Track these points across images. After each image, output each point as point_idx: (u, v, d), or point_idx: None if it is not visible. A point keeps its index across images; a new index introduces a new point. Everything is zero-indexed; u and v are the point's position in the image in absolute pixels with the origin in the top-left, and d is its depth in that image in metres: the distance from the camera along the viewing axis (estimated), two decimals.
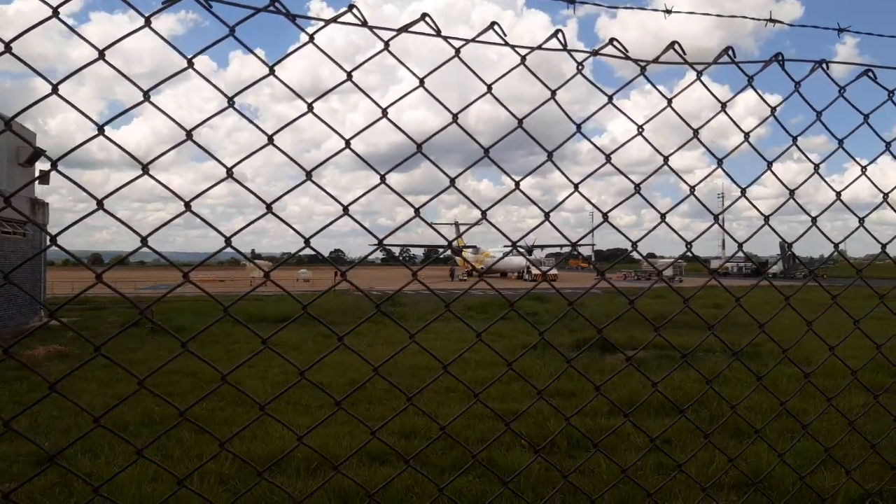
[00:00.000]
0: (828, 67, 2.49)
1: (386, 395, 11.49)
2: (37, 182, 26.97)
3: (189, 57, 1.79)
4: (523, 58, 2.19)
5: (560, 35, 2.10)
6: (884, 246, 3.10)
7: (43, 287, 28.44)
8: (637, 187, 2.46)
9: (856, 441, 7.88)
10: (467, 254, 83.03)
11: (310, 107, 1.94)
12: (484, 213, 2.20)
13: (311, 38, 1.93)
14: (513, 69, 2.17)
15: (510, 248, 2.39)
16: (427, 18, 1.96)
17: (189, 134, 1.76)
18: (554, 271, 66.40)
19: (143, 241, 1.71)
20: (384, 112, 2.04)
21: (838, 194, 2.96)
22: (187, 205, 1.79)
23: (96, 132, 1.69)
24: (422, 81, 2.07)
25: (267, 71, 1.88)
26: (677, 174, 2.48)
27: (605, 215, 2.42)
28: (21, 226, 25.46)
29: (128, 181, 1.72)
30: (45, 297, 28.12)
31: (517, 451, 8.11)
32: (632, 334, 17.42)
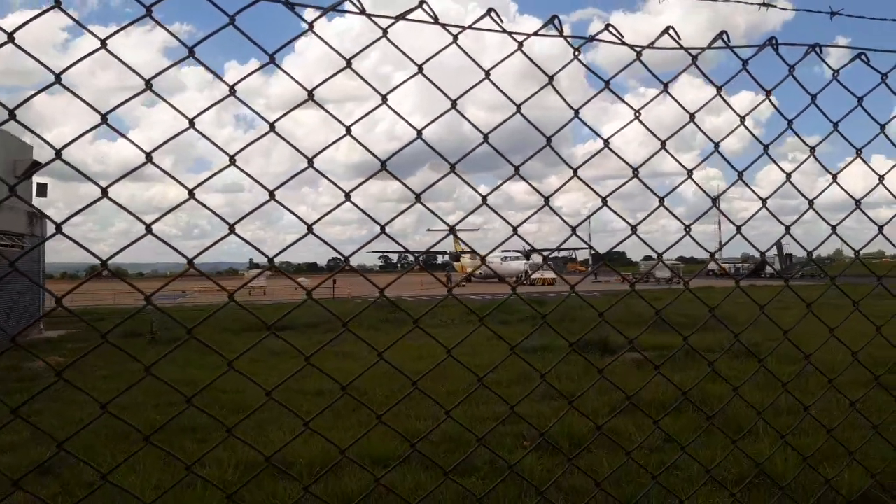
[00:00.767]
0: (821, 51, 2.51)
1: (387, 400, 11.47)
2: (34, 194, 26.95)
3: (190, 46, 1.80)
4: (520, 44, 2.21)
5: (556, 21, 2.12)
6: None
7: (42, 298, 28.39)
8: (635, 171, 2.47)
9: (856, 436, 7.87)
10: (465, 259, 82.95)
11: (310, 94, 1.96)
12: (484, 198, 2.22)
13: (311, 25, 1.95)
14: (510, 55, 2.19)
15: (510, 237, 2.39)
16: (425, 5, 1.98)
17: (192, 122, 1.77)
18: (552, 276, 66.33)
19: (148, 228, 1.72)
20: (384, 98, 2.06)
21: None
22: (191, 192, 1.80)
23: (100, 122, 1.70)
24: (420, 68, 2.09)
25: (267, 59, 1.89)
26: (675, 158, 2.49)
27: (605, 199, 2.44)
28: (19, 238, 25.44)
29: (133, 168, 1.74)
30: (43, 308, 28.05)
31: (520, 453, 8.09)
32: (631, 335, 17.37)
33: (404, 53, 2.02)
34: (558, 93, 2.24)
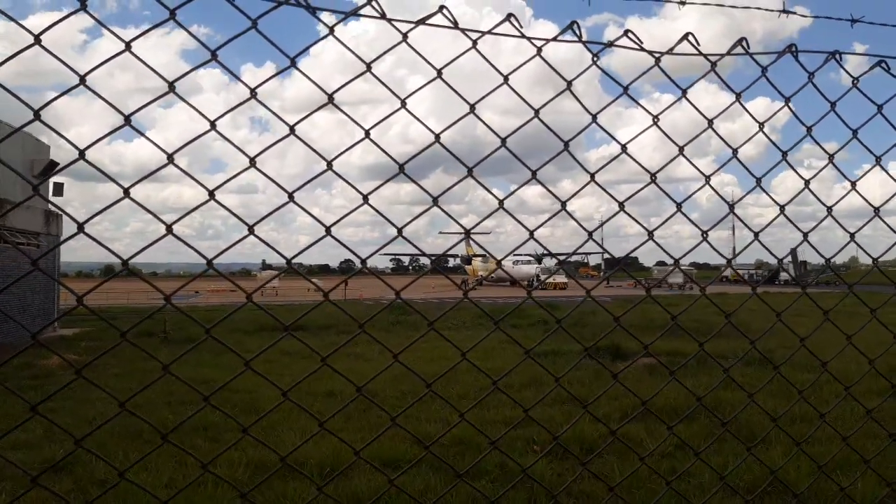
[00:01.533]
0: (841, 59, 2.50)
1: (398, 401, 11.49)
2: (51, 194, 27.20)
3: (213, 49, 1.82)
4: (539, 49, 2.21)
5: (576, 27, 2.12)
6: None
7: (56, 297, 28.64)
8: (653, 176, 2.47)
9: (870, 445, 7.80)
10: (477, 262, 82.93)
11: (330, 98, 1.97)
12: (501, 202, 2.22)
13: (332, 30, 1.96)
14: (529, 60, 2.19)
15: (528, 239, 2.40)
16: (444, 10, 2.00)
17: (213, 124, 1.79)
18: (564, 280, 66.17)
19: (168, 229, 1.74)
20: (403, 102, 2.07)
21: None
22: (211, 193, 1.81)
23: (123, 123, 1.72)
24: (439, 73, 2.10)
25: (287, 63, 1.91)
26: (692, 163, 2.49)
27: (622, 204, 2.44)
28: (35, 237, 25.69)
29: (156, 169, 1.76)
30: (58, 307, 28.29)
31: (530, 457, 8.08)
32: (644, 342, 17.32)
33: (424, 58, 2.03)
34: (576, 98, 2.25)
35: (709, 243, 2.57)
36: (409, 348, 2.61)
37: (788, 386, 11.95)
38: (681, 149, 2.46)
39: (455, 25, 2.04)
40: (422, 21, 2.02)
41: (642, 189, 2.51)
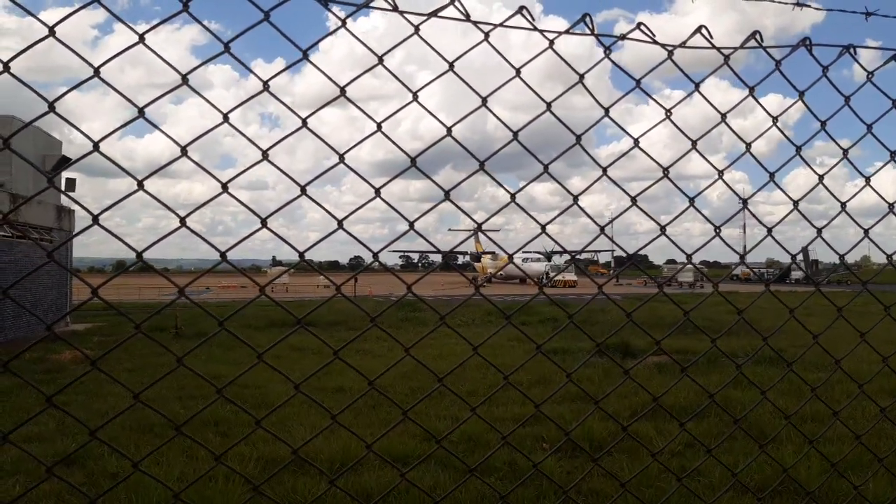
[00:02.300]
0: (855, 52, 2.48)
1: (407, 398, 11.52)
2: (63, 189, 27.35)
3: (226, 42, 1.83)
4: (551, 42, 2.21)
5: (588, 20, 2.11)
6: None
7: (69, 292, 28.84)
8: (665, 171, 2.46)
9: (882, 444, 7.76)
10: (486, 259, 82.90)
11: (342, 91, 1.98)
12: (513, 196, 2.21)
13: (343, 22, 1.96)
14: (541, 53, 2.19)
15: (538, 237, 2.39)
16: (457, 2, 1.99)
17: (226, 116, 1.80)
18: (574, 277, 66.03)
19: (182, 221, 1.75)
20: (415, 95, 2.07)
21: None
22: (224, 186, 1.82)
23: (137, 115, 1.73)
24: (451, 66, 2.10)
25: (299, 55, 1.91)
26: (705, 158, 2.47)
27: (634, 199, 2.43)
28: (47, 232, 25.87)
29: (168, 162, 1.76)
30: (71, 302, 28.49)
31: (539, 455, 8.08)
32: (654, 339, 17.28)
33: (436, 51, 2.03)
34: (589, 92, 2.24)
35: (722, 239, 2.56)
36: (418, 344, 2.61)
37: (799, 385, 11.98)
38: (693, 143, 2.45)
39: (467, 18, 2.03)
40: (434, 13, 2.02)
41: (655, 184, 2.50)
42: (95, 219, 1.62)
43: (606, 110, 2.34)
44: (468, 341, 2.37)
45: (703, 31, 2.25)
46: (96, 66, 1.68)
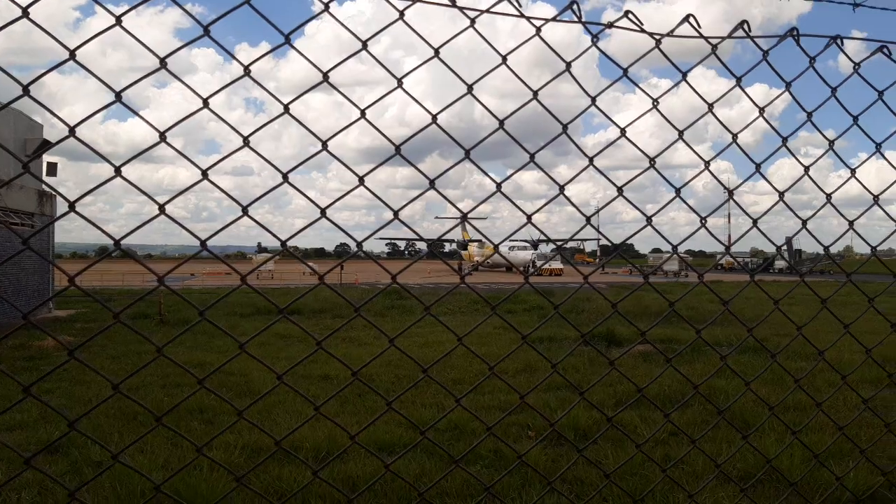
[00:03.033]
0: (842, 43, 2.47)
1: (392, 386, 11.52)
2: (44, 174, 27.04)
3: (205, 25, 1.79)
4: (538, 29, 2.18)
5: (576, 7, 2.09)
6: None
7: (51, 278, 28.56)
8: (652, 161, 2.45)
9: (863, 434, 7.85)
10: (473, 248, 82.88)
11: (325, 76, 1.95)
12: (499, 185, 2.20)
13: (327, 6, 1.93)
14: (528, 40, 2.16)
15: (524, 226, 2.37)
16: None
17: (206, 102, 1.76)
18: (559, 266, 66.22)
19: (161, 208, 1.71)
20: (399, 82, 2.04)
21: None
22: (204, 173, 1.79)
23: (114, 99, 1.69)
24: (437, 52, 2.07)
25: (282, 39, 1.88)
26: (692, 148, 2.46)
27: (620, 189, 2.42)
28: (29, 217, 25.57)
29: (147, 147, 1.73)
30: (53, 288, 28.22)
31: (525, 443, 8.11)
32: (640, 329, 17.40)
33: (420, 36, 2.00)
34: (576, 80, 2.22)
35: (707, 230, 2.55)
36: (404, 333, 2.59)
37: (781, 373, 12.08)
38: (680, 133, 2.44)
39: (453, 3, 2.00)
40: None
41: (641, 174, 2.50)
42: (72, 205, 1.59)
43: (593, 99, 2.32)
44: (453, 332, 2.35)
45: (691, 20, 2.23)
46: (73, 47, 1.64)
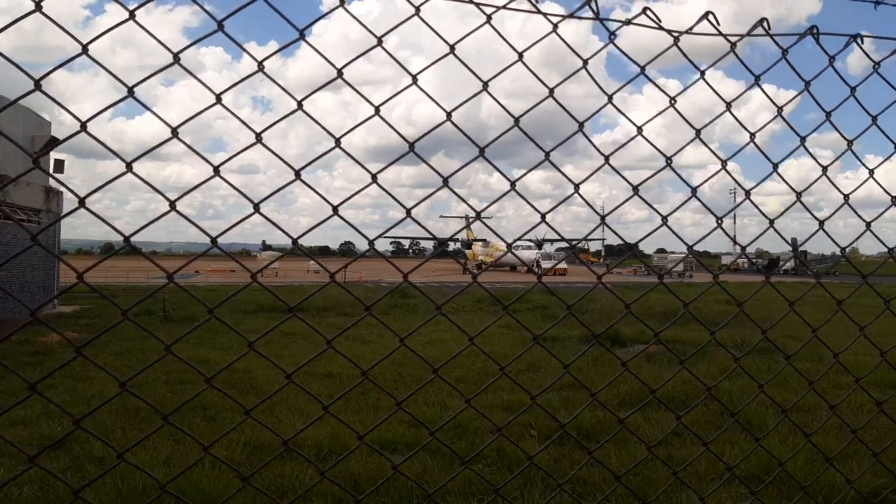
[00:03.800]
0: (863, 42, 2.45)
1: (396, 384, 11.51)
2: (51, 171, 27.10)
3: (219, 20, 1.77)
4: (555, 25, 2.16)
5: (593, 3, 2.07)
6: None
7: (56, 274, 28.61)
8: (668, 161, 2.43)
9: (868, 436, 7.81)
10: (477, 247, 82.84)
11: (339, 73, 1.93)
12: (513, 184, 2.18)
13: (342, 2, 1.91)
14: (545, 37, 2.15)
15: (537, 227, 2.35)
16: None
17: (219, 97, 1.75)
18: (563, 265, 66.09)
19: (172, 205, 1.70)
20: (414, 79, 2.03)
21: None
22: (216, 169, 1.78)
23: (127, 94, 1.67)
24: (452, 48, 2.05)
25: (294, 36, 1.86)
26: (709, 147, 2.44)
27: (636, 188, 2.40)
28: (35, 213, 25.62)
29: (159, 143, 1.71)
30: (58, 284, 28.28)
31: (527, 443, 8.09)
32: (642, 328, 17.38)
33: (437, 33, 1.98)
34: (592, 78, 2.20)
35: (723, 230, 2.54)
36: (411, 332, 2.58)
37: (785, 375, 12.00)
38: (697, 132, 2.42)
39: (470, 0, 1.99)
40: None
41: (658, 173, 2.48)
42: (82, 201, 1.58)
43: (610, 97, 2.30)
44: (465, 332, 2.34)
45: (710, 17, 2.21)
46: (86, 42, 1.63)
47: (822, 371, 3.67)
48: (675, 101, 2.36)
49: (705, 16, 2.22)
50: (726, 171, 2.50)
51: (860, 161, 2.81)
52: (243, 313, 22.78)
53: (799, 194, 2.65)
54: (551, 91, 2.20)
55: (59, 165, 28.55)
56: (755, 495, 3.51)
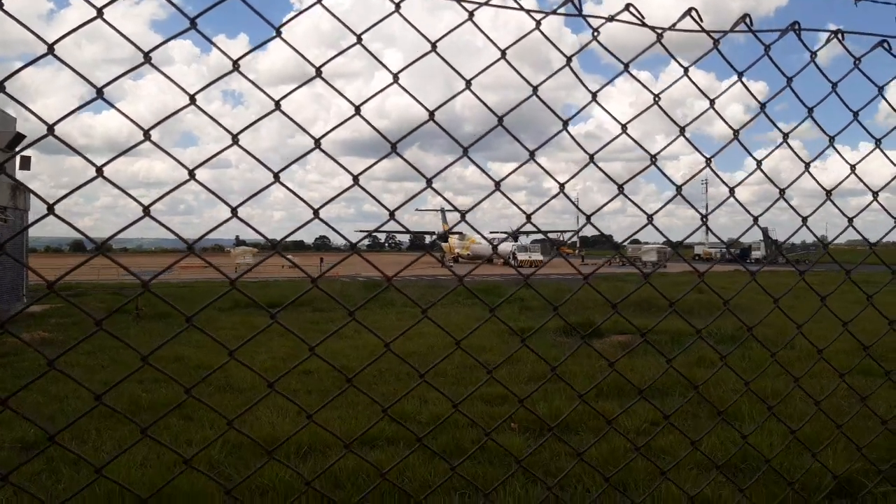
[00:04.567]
0: (843, 38, 2.46)
1: (374, 380, 11.46)
2: (17, 167, 26.53)
3: (192, 18, 1.72)
4: (538, 22, 2.14)
5: (575, 0, 2.05)
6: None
7: (25, 273, 28.07)
8: (653, 159, 2.42)
9: (838, 420, 7.93)
10: (453, 240, 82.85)
11: (318, 71, 1.89)
12: (497, 184, 2.15)
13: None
14: (528, 33, 2.12)
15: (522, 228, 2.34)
16: None
17: (192, 98, 1.69)
18: (540, 257, 66.43)
19: (146, 210, 1.65)
20: (395, 77, 1.99)
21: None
22: (191, 173, 1.73)
23: (96, 96, 1.61)
24: (434, 46, 2.02)
25: (269, 33, 1.81)
26: (694, 146, 2.45)
27: (621, 187, 2.39)
28: (2, 211, 25.09)
29: (130, 147, 1.66)
30: (27, 283, 27.75)
31: (507, 435, 8.12)
32: (617, 319, 17.49)
33: (418, 31, 1.94)
34: (577, 77, 2.18)
35: (708, 228, 2.54)
36: (396, 337, 2.56)
37: (759, 363, 12.14)
38: (682, 129, 2.42)
39: None
40: None
41: (642, 171, 2.47)
42: (51, 208, 1.52)
43: (594, 95, 2.29)
44: (451, 336, 2.32)
45: (693, 14, 2.20)
46: (50, 42, 1.56)
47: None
48: (660, 98, 2.35)
49: (688, 12, 2.21)
50: (711, 169, 2.50)
51: (843, 158, 2.83)
52: (219, 310, 22.52)
53: (782, 191, 2.66)
54: (535, 89, 2.17)
55: (26, 162, 27.95)
56: (742, 493, 3.55)
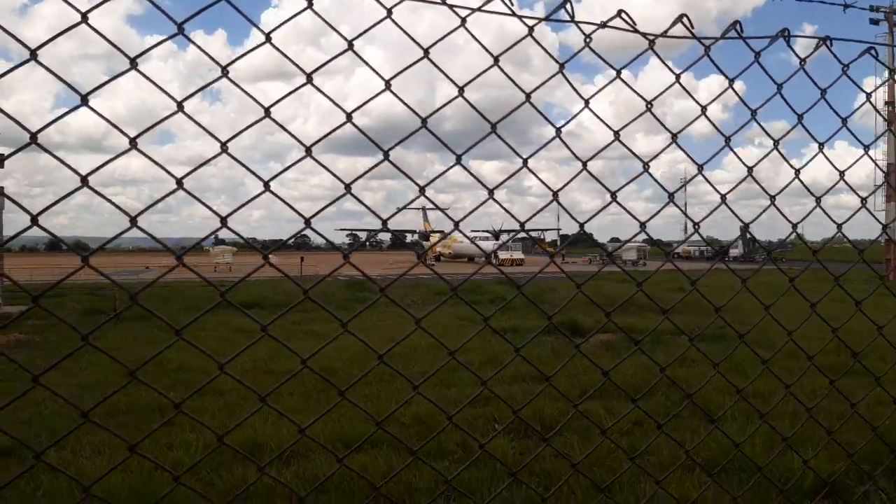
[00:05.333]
0: (832, 44, 2.47)
1: (361, 382, 11.40)
2: None
3: (179, 23, 1.68)
4: (531, 28, 2.12)
5: (568, 6, 2.03)
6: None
7: (0, 274, 27.58)
8: (646, 165, 2.42)
9: (823, 422, 8.03)
10: (435, 238, 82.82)
11: (309, 78, 1.86)
12: (491, 192, 2.13)
13: (310, 3, 1.83)
14: (520, 41, 2.10)
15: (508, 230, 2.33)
16: None
17: (180, 105, 1.65)
18: (521, 256, 66.65)
19: (133, 221, 1.61)
20: (387, 84, 1.96)
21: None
22: (179, 182, 1.69)
23: (80, 103, 1.57)
24: (426, 52, 2.00)
25: (263, 39, 1.78)
26: (686, 153, 2.45)
27: (614, 195, 2.38)
28: None
29: (116, 155, 1.61)
30: (3, 284, 27.30)
31: (492, 436, 8.10)
32: (599, 317, 17.58)
33: (410, 37, 1.92)
34: (570, 84, 2.17)
35: (699, 235, 2.55)
36: (389, 349, 2.54)
37: (740, 362, 12.29)
38: (674, 137, 2.42)
39: (443, 2, 1.93)
40: None
41: (635, 179, 2.46)
42: (34, 219, 1.47)
43: (587, 102, 2.28)
44: (445, 346, 2.32)
45: (685, 20, 2.20)
46: (30, 42, 1.52)
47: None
48: (652, 105, 2.35)
49: (679, 19, 2.21)
50: (703, 175, 2.51)
51: (831, 163, 2.85)
52: (197, 311, 22.23)
53: (773, 197, 2.68)
54: (528, 96, 2.16)
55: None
56: (735, 496, 3.56)
